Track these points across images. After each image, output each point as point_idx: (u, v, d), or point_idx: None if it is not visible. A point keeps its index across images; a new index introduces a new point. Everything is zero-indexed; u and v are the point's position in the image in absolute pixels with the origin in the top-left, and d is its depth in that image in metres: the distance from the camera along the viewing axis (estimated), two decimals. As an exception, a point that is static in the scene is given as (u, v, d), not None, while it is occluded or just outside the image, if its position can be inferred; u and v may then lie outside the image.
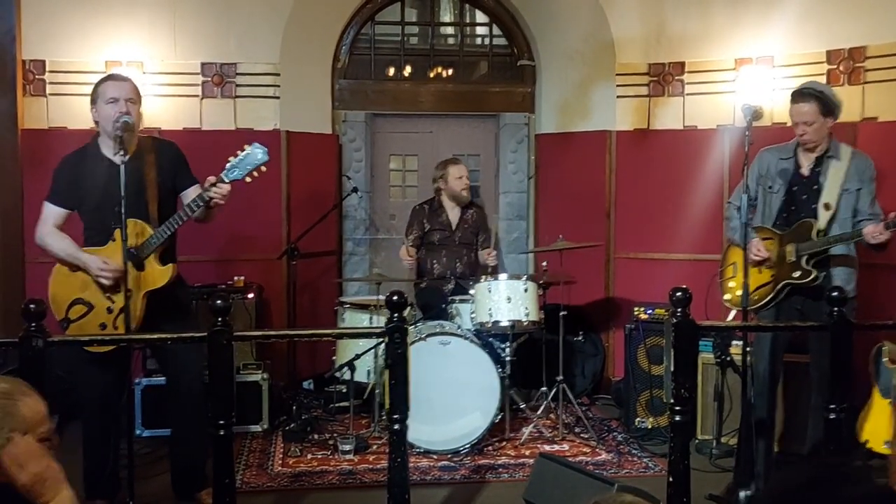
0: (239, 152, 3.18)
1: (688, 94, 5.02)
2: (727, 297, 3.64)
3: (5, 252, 4.62)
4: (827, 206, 3.38)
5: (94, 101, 3.23)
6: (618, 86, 5.15)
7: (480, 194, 5.76)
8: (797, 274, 3.40)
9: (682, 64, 5.02)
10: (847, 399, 2.86)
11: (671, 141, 5.05)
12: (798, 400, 3.82)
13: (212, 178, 3.15)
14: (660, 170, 5.06)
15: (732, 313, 3.63)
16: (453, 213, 4.90)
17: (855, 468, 0.98)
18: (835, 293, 2.83)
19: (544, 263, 4.62)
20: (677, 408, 2.68)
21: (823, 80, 4.51)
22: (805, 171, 3.47)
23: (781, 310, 3.47)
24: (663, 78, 5.08)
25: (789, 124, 3.68)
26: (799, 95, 3.39)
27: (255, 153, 3.16)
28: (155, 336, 3.13)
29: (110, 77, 3.31)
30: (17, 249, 4.63)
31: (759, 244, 3.46)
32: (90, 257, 3.18)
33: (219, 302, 2.58)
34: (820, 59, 4.57)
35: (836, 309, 2.81)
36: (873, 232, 3.23)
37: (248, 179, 3.17)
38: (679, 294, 2.71)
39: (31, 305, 2.51)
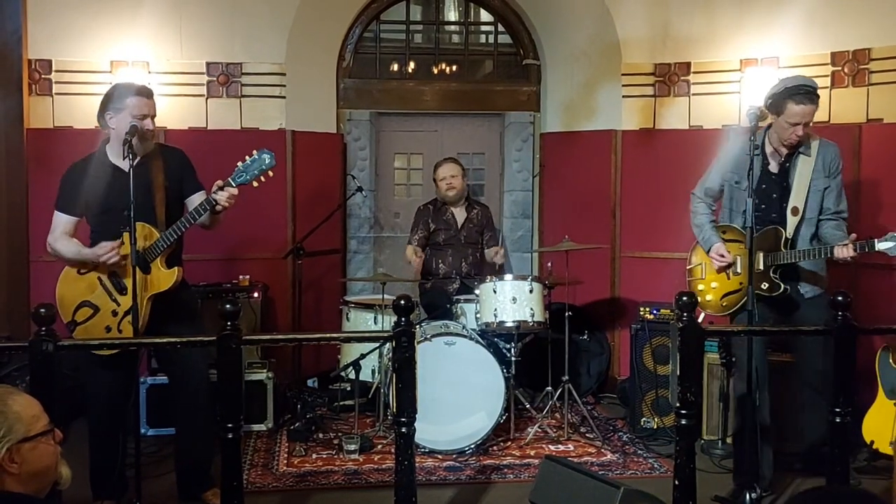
0: (247, 157, 3.20)
1: (693, 95, 5.02)
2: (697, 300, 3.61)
3: (10, 250, 4.63)
4: (795, 211, 3.32)
5: (114, 109, 3.20)
6: (623, 86, 5.13)
7: (485, 192, 5.76)
8: (765, 286, 3.33)
9: (688, 64, 5.02)
10: (851, 402, 2.87)
11: (677, 141, 5.05)
12: (784, 398, 3.82)
13: (219, 182, 3.17)
14: (665, 169, 5.06)
15: (701, 317, 3.55)
16: (458, 213, 4.90)
17: (860, 496, 0.97)
18: (839, 297, 2.84)
19: (549, 264, 4.63)
20: (683, 411, 2.69)
21: (828, 81, 4.53)
22: (774, 167, 3.38)
23: (760, 312, 3.38)
24: (669, 78, 5.07)
25: (778, 116, 3.60)
26: (807, 96, 3.23)
27: (263, 158, 3.18)
28: (165, 340, 3.15)
29: (139, 92, 3.25)
30: (22, 248, 4.64)
31: (721, 249, 3.41)
32: (89, 251, 3.21)
33: (228, 306, 2.59)
34: (824, 61, 4.57)
35: (839, 313, 2.82)
36: (842, 255, 3.15)
37: (255, 184, 3.20)
38: (685, 298, 2.73)
39: (42, 310, 2.51)
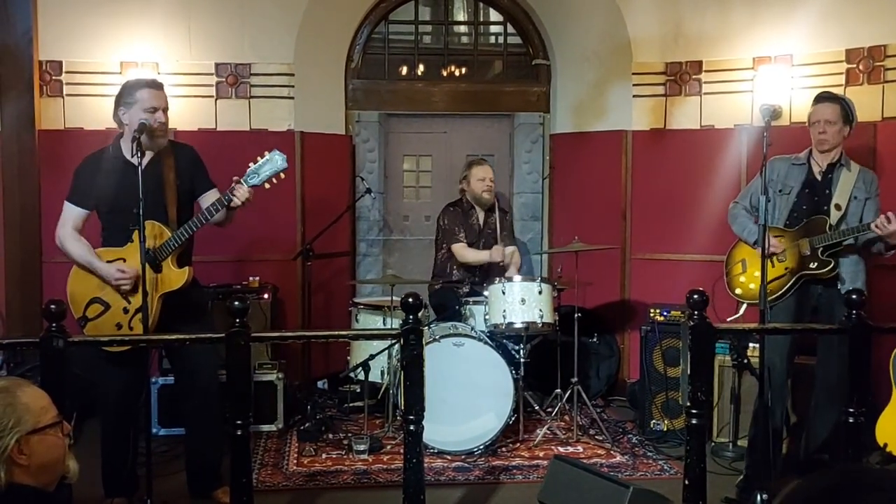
0: (259, 158, 3.19)
1: (705, 94, 4.98)
2: (738, 291, 3.69)
3: (23, 251, 4.65)
4: (838, 207, 3.47)
5: (125, 104, 3.21)
6: (634, 85, 5.10)
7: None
8: (814, 265, 3.47)
9: (700, 63, 4.98)
10: (865, 403, 2.83)
11: (688, 141, 5.01)
12: (805, 401, 3.80)
13: (236, 178, 3.17)
14: (676, 170, 5.02)
15: (744, 307, 3.68)
16: (482, 217, 4.83)
17: (881, 476, 0.96)
18: (854, 295, 2.80)
19: (559, 269, 4.60)
20: (693, 411, 2.66)
21: (843, 79, 4.48)
22: (817, 175, 3.56)
23: (801, 301, 3.52)
24: (680, 77, 5.03)
25: (807, 124, 3.68)
26: (823, 97, 3.53)
27: (275, 159, 3.17)
28: (174, 337, 3.15)
29: (147, 84, 3.28)
30: (34, 249, 4.66)
31: (770, 238, 3.48)
32: (105, 267, 3.20)
33: (236, 303, 2.59)
34: (839, 58, 4.51)
35: (854, 311, 2.78)
36: (880, 223, 3.28)
37: (266, 186, 3.19)
38: (696, 297, 2.70)
39: (52, 306, 2.52)
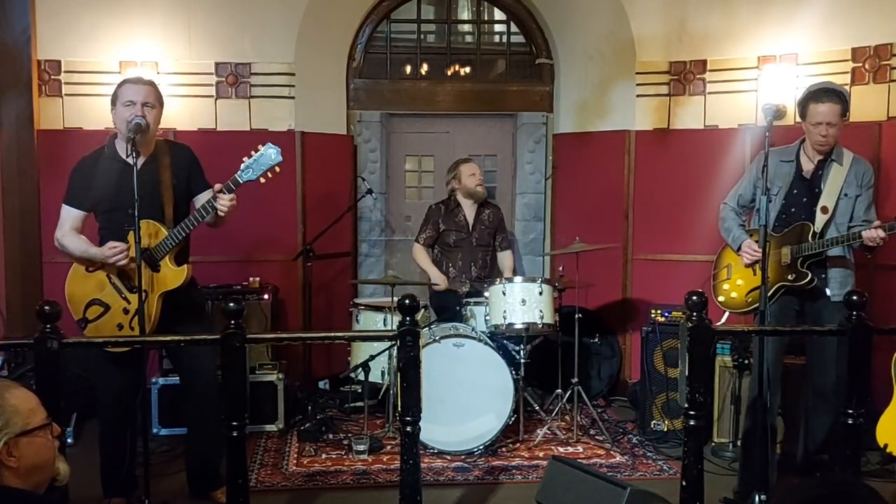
0: (253, 152, 3.18)
1: (709, 93, 4.94)
2: (721, 298, 3.62)
3: (23, 252, 4.65)
4: (824, 210, 3.37)
5: (113, 103, 3.24)
6: (637, 84, 5.07)
7: (497, 195, 5.71)
8: (792, 276, 3.38)
9: (704, 62, 4.94)
10: (865, 404, 2.81)
11: (691, 141, 4.98)
12: (796, 402, 3.77)
13: (218, 186, 3.17)
14: (680, 170, 4.99)
15: (726, 315, 3.61)
16: (470, 214, 4.85)
17: (860, 487, 0.94)
18: (854, 296, 2.78)
19: (560, 268, 4.58)
20: (691, 412, 2.64)
21: (848, 78, 4.43)
22: (807, 173, 3.44)
23: (785, 311, 3.44)
24: (684, 76, 5.00)
25: (801, 120, 3.58)
26: (825, 94, 3.30)
27: (269, 153, 3.16)
28: (170, 338, 3.15)
29: (129, 80, 3.31)
30: (34, 249, 4.66)
31: (752, 244, 3.45)
32: (98, 250, 3.20)
33: (231, 305, 2.58)
34: (845, 57, 4.46)
35: (854, 313, 2.76)
36: (872, 236, 3.19)
37: (261, 180, 3.17)
38: (695, 298, 2.68)
39: (46, 307, 2.51)
